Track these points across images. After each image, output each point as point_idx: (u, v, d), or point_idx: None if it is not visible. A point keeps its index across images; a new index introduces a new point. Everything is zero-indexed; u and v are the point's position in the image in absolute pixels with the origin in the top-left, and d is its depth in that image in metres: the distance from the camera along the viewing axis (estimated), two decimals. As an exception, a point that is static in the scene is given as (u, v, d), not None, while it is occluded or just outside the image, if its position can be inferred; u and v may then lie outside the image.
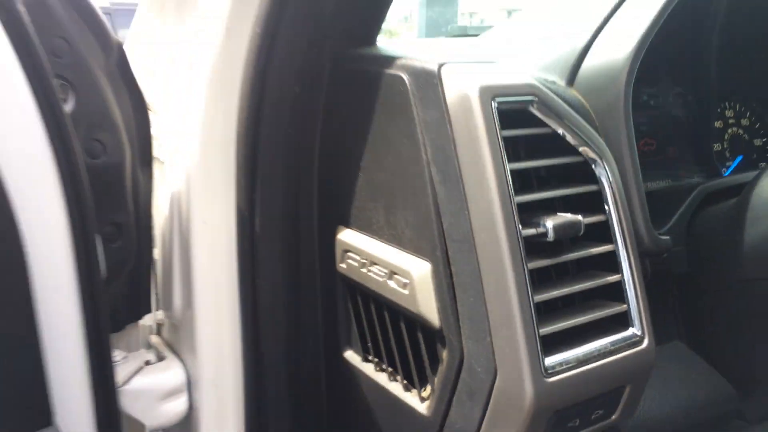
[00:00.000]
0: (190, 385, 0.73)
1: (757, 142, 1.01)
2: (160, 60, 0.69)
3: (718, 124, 0.99)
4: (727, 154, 0.98)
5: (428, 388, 0.60)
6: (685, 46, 0.86)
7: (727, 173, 0.96)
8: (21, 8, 0.48)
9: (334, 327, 0.70)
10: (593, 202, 0.57)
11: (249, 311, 0.68)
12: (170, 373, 0.73)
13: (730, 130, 0.99)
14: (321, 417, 0.74)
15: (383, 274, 0.59)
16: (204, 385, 0.70)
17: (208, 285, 0.67)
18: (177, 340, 0.75)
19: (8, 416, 0.50)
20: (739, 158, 0.98)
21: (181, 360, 0.74)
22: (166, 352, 0.77)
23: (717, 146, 0.98)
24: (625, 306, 0.56)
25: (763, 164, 1.00)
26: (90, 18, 0.58)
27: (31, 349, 0.49)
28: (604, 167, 0.56)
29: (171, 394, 0.73)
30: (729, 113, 1.00)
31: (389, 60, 0.57)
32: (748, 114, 1.01)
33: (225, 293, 0.68)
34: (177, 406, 0.73)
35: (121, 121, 0.62)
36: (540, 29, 0.83)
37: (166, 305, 0.74)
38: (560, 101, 0.56)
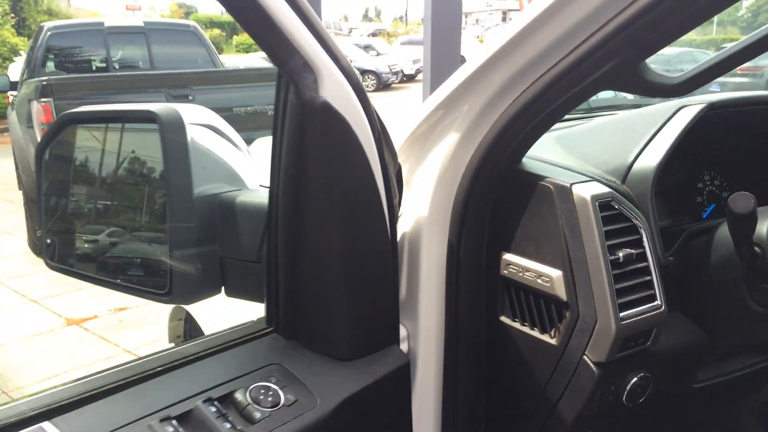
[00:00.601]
0: (408, 337, 1.32)
1: (725, 194, 1.60)
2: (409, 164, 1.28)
3: (699, 184, 1.52)
4: (705, 204, 1.55)
5: (555, 331, 1.19)
6: (685, 141, 1.45)
7: (705, 215, 1.56)
8: (387, 155, 1.07)
9: (494, 303, 1.29)
10: (638, 242, 1.17)
11: (450, 294, 1.26)
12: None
13: (707, 188, 1.53)
14: (481, 354, 1.33)
15: (533, 276, 1.18)
16: (421, 336, 1.24)
17: (428, 281, 1.25)
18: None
19: (384, 333, 1.08)
20: (712, 206, 1.57)
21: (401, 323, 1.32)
22: None
23: (699, 199, 1.50)
24: (653, 291, 1.15)
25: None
26: (391, 148, 1.17)
27: (394, 296, 1.07)
28: (643, 227, 1.16)
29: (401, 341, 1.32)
30: (707, 177, 1.54)
31: (540, 177, 1.16)
32: (719, 177, 1.58)
33: (437, 284, 1.25)
34: (403, 348, 1.32)
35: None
36: (603, 139, 1.45)
37: None
38: (621, 197, 1.16)
